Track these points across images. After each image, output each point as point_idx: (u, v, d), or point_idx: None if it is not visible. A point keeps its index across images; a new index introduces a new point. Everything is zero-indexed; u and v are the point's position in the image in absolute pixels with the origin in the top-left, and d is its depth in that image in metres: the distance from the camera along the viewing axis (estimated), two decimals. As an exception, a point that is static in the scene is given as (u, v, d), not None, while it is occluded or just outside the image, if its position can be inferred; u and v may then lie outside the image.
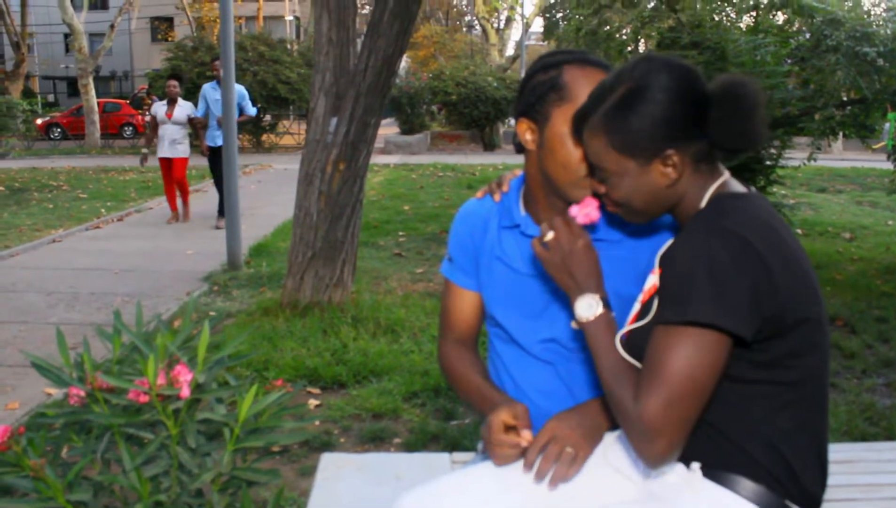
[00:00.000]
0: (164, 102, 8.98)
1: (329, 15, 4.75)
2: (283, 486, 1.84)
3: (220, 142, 8.51)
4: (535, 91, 1.52)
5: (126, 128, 26.03)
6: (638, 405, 1.20)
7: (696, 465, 1.29)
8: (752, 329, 1.20)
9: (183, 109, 8.83)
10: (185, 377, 1.61)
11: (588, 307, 1.34)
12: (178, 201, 9.21)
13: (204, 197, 9.36)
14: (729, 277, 1.18)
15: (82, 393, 1.69)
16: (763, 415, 1.26)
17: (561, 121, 1.48)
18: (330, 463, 1.96)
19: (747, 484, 1.25)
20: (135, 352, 1.81)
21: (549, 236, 1.39)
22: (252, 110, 8.86)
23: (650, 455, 1.21)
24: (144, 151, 9.18)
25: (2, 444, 1.56)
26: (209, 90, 8.71)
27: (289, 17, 35.79)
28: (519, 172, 1.68)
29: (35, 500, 1.56)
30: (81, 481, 1.66)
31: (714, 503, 1.26)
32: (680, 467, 1.31)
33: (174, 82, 8.94)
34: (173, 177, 8.94)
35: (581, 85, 1.46)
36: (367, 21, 4.77)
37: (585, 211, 1.42)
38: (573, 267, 1.36)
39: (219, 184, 8.58)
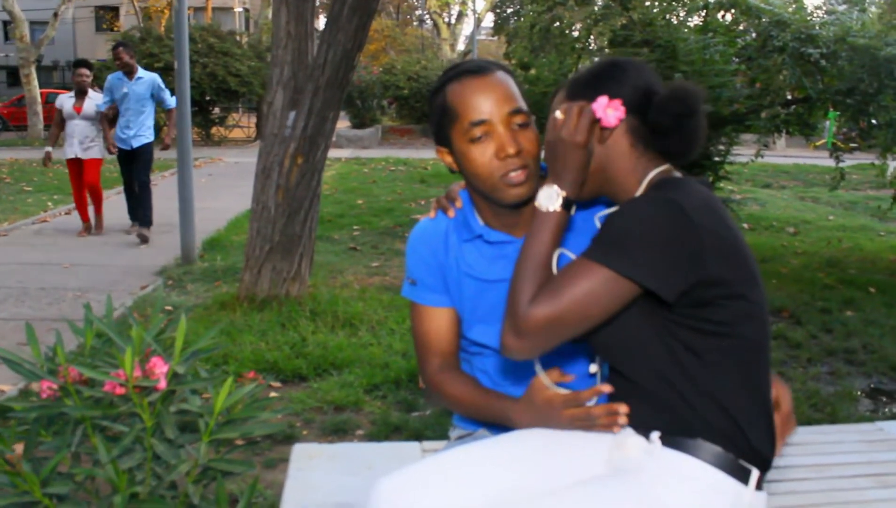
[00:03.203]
0: (72, 93, 7.75)
1: (287, 8, 4.74)
2: (258, 477, 1.86)
3: (135, 143, 7.50)
4: (434, 118, 1.60)
5: (70, 119, 25.36)
6: (529, 307, 1.31)
7: (654, 435, 1.36)
8: (674, 292, 1.30)
9: (94, 101, 7.65)
10: (160, 369, 1.63)
11: (548, 198, 1.39)
12: (92, 210, 8.04)
13: (154, 190, 9.08)
14: (661, 239, 1.28)
15: (55, 386, 1.69)
16: (710, 379, 1.34)
17: (458, 138, 1.54)
18: (302, 454, 1.99)
19: (704, 446, 1.33)
20: (107, 344, 1.82)
21: (558, 114, 1.42)
22: (172, 102, 7.44)
23: (510, 346, 1.33)
24: (48, 149, 7.95)
25: (-29, 439, 1.55)
26: (116, 82, 7.52)
27: (238, 9, 35.30)
28: (465, 184, 1.70)
29: (10, 494, 1.57)
30: (55, 475, 1.66)
31: (675, 469, 1.33)
32: (640, 439, 1.38)
33: (84, 71, 7.69)
34: (84, 181, 7.75)
35: (462, 99, 1.53)
36: (325, 15, 4.78)
37: (606, 108, 1.38)
38: (558, 154, 1.40)
39: (128, 189, 7.80)
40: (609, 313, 1.32)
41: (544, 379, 1.44)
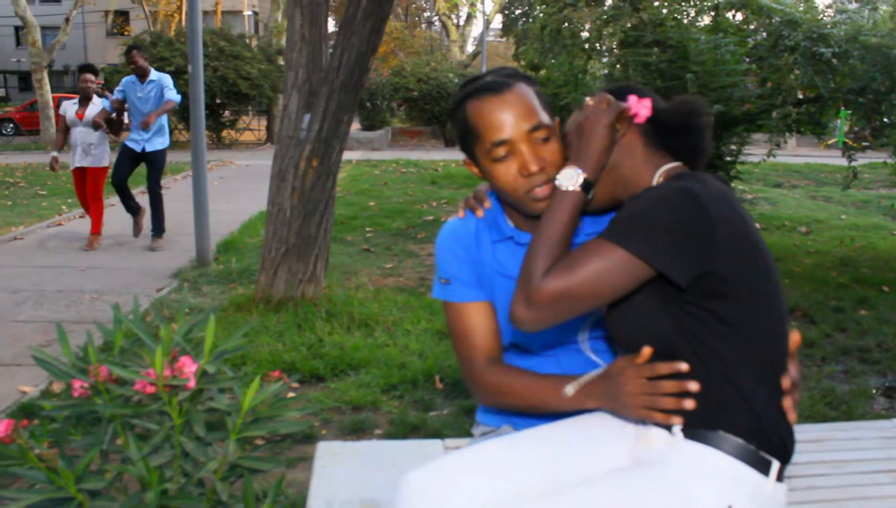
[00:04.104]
0: (76, 100, 7.47)
1: (302, 12, 4.78)
2: (283, 474, 1.89)
3: (148, 147, 7.35)
4: (459, 133, 1.61)
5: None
6: (542, 279, 1.35)
7: (677, 427, 1.39)
8: (686, 277, 1.33)
9: (97, 108, 7.36)
10: (189, 369, 1.66)
11: (569, 178, 1.43)
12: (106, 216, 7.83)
13: (167, 194, 9.06)
14: (675, 225, 1.32)
15: (87, 385, 1.73)
16: (729, 372, 1.36)
17: (482, 156, 1.56)
18: (326, 451, 2.02)
19: (725, 438, 1.35)
20: (135, 345, 1.85)
21: (587, 100, 1.49)
22: (171, 95, 7.28)
23: (520, 316, 1.37)
24: (54, 153, 7.66)
25: (6, 436, 1.59)
26: (129, 86, 7.33)
27: (247, 12, 35.44)
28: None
29: (49, 490, 1.60)
30: (87, 472, 1.70)
31: (698, 461, 1.36)
32: (662, 432, 1.41)
33: (89, 76, 7.39)
34: (87, 189, 7.56)
35: (482, 119, 1.53)
36: (335, 18, 4.81)
37: (637, 104, 1.47)
38: (582, 135, 1.46)
39: (119, 188, 7.46)
40: (619, 293, 1.36)
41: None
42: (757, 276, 1.38)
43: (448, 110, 21.37)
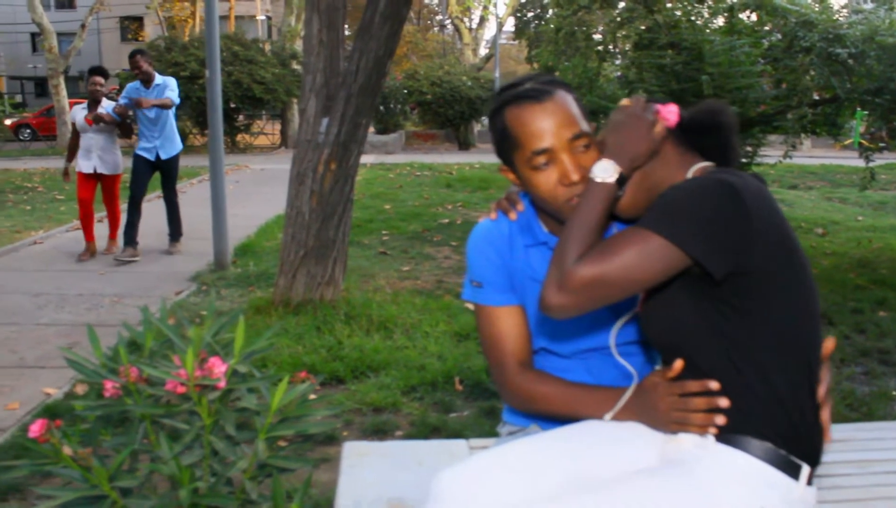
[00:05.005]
0: (85, 104, 7.24)
1: (319, 16, 4.81)
2: (311, 473, 1.92)
3: (163, 154, 7.29)
4: (496, 139, 1.61)
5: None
6: (575, 264, 1.35)
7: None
8: (722, 268, 1.33)
9: (107, 111, 7.11)
10: (220, 369, 1.69)
11: (604, 170, 1.44)
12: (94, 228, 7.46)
13: (184, 199, 9.03)
14: (713, 215, 1.33)
15: (119, 385, 1.76)
16: (762, 375, 1.37)
17: (521, 165, 1.55)
18: (352, 451, 2.04)
19: (756, 443, 1.36)
20: (164, 346, 1.88)
21: (624, 101, 1.53)
22: (177, 99, 7.19)
23: (551, 301, 1.37)
24: (66, 165, 7.52)
25: (40, 436, 1.62)
26: (133, 93, 7.19)
27: (261, 17, 35.62)
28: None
29: (83, 489, 1.63)
30: (120, 470, 1.73)
31: (728, 464, 1.36)
32: (693, 434, 1.42)
33: (99, 79, 7.10)
34: (104, 197, 7.35)
35: (522, 127, 1.52)
36: (352, 23, 4.84)
37: (663, 109, 1.50)
38: (618, 132, 1.48)
39: (134, 204, 7.27)
40: (653, 281, 1.36)
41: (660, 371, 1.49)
42: (793, 273, 1.39)
43: (461, 113, 21.43)
